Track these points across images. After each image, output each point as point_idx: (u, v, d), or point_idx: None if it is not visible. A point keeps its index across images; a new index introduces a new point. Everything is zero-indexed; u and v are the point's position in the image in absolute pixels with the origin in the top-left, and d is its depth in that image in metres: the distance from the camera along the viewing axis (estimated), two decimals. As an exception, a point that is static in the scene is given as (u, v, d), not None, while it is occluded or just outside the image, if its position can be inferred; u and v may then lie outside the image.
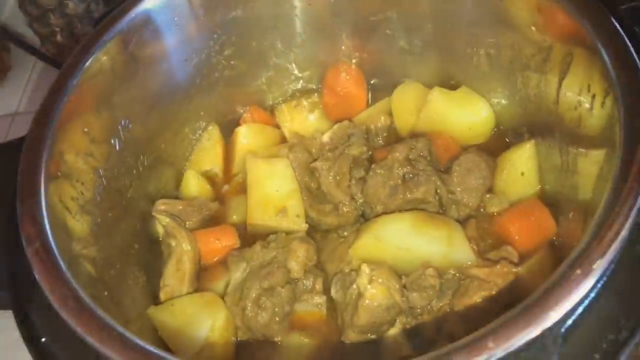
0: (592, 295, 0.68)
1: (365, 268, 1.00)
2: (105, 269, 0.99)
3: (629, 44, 0.83)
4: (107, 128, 1.09)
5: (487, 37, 1.16)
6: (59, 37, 1.92)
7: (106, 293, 0.93)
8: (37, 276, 0.77)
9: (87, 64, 1.02)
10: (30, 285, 0.83)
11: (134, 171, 1.18)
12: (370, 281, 0.98)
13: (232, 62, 1.31)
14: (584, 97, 0.94)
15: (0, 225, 0.95)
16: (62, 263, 0.78)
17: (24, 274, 0.84)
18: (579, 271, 0.66)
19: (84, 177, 1.01)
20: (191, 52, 1.24)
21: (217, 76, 1.31)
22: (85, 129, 1.02)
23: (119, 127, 1.12)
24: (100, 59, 1.05)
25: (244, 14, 1.24)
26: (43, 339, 0.81)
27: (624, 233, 0.67)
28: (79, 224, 0.95)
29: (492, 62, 1.20)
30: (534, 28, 1.04)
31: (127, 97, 1.14)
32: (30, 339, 0.81)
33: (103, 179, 1.07)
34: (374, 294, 0.98)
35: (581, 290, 0.66)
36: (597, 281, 0.66)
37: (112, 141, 1.11)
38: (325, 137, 1.24)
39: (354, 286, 1.02)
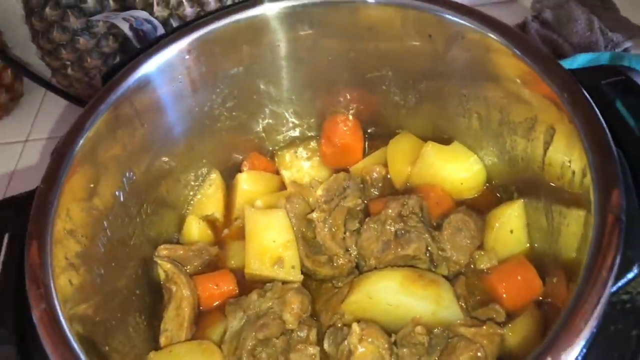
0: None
1: (355, 327, 1.04)
2: (107, 319, 1.04)
3: (605, 127, 0.87)
4: (112, 181, 1.14)
5: (477, 99, 1.21)
6: (69, 70, 1.97)
7: (107, 348, 0.97)
8: (42, 339, 0.81)
9: (93, 123, 1.07)
10: (36, 344, 0.87)
11: (137, 219, 1.23)
12: (360, 340, 1.03)
13: (233, 113, 1.36)
14: (565, 169, 0.98)
15: (8, 276, 1.00)
16: (65, 326, 0.83)
17: (31, 331, 0.89)
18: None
19: (89, 231, 1.05)
20: (194, 105, 1.29)
21: (219, 126, 1.36)
22: (91, 185, 1.07)
23: (124, 179, 1.17)
24: (107, 117, 1.10)
25: (244, 70, 1.29)
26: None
27: (592, 322, 0.71)
28: (82, 278, 1.00)
29: (482, 122, 1.25)
30: (519, 96, 1.09)
31: (132, 150, 1.19)
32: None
33: (107, 231, 1.12)
34: (364, 353, 1.02)
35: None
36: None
37: (117, 193, 1.15)
38: (320, 190, 1.28)
39: (346, 343, 1.06)
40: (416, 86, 1.30)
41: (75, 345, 0.82)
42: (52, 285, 0.88)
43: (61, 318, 0.84)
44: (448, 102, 1.28)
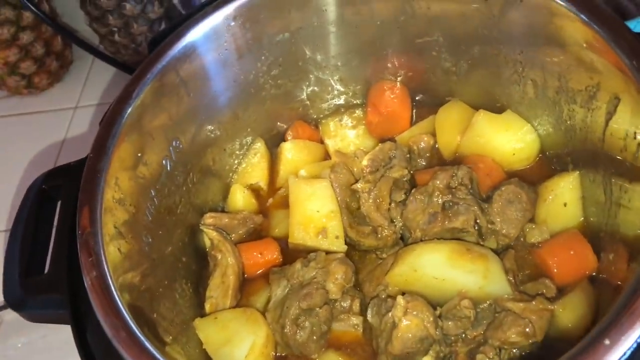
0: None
1: (400, 300, 1.03)
2: (155, 286, 1.06)
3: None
4: (160, 150, 1.15)
5: (534, 65, 1.15)
6: (116, 37, 1.99)
7: (155, 315, 0.99)
8: (93, 306, 0.84)
9: (140, 93, 1.07)
10: (89, 307, 0.90)
11: (184, 188, 1.24)
12: (405, 313, 1.01)
13: (278, 81, 1.34)
14: (629, 141, 0.93)
15: (61, 243, 1.03)
16: (115, 294, 0.85)
17: (84, 295, 0.92)
18: (607, 341, 0.67)
19: (136, 200, 1.07)
20: (239, 74, 1.27)
21: (264, 95, 1.35)
22: (139, 154, 1.08)
23: (170, 148, 1.18)
24: (153, 86, 1.10)
25: (290, 36, 1.26)
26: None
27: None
28: (131, 246, 1.02)
29: (538, 90, 1.19)
30: (580, 63, 1.02)
31: (178, 119, 1.19)
32: (86, 357, 0.88)
33: (155, 199, 1.13)
34: (408, 325, 1.01)
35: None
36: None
37: (164, 162, 1.16)
38: (365, 160, 1.25)
39: (390, 315, 1.05)
40: (468, 52, 1.25)
41: (125, 313, 0.84)
42: (102, 253, 0.90)
43: (111, 286, 0.86)
44: (502, 69, 1.22)
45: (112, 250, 0.93)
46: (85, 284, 0.86)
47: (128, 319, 0.83)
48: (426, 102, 1.42)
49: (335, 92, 1.43)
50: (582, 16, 0.97)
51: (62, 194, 1.06)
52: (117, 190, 1.00)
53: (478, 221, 1.14)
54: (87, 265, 0.86)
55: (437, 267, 1.07)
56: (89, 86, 2.26)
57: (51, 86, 2.21)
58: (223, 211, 1.38)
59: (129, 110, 1.05)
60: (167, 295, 1.10)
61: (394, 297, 1.11)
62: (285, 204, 1.36)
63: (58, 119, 2.16)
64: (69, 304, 0.93)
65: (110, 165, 0.99)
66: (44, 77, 2.17)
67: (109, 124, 1.02)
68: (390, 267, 1.14)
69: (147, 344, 0.79)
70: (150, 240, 1.09)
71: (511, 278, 1.10)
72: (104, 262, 0.88)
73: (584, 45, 0.99)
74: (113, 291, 0.85)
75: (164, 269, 1.12)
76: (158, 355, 0.78)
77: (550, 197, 1.17)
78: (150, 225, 1.10)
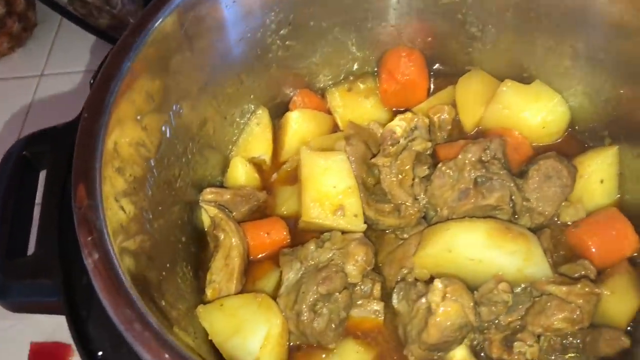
0: None
1: (438, 283, 0.92)
2: (159, 268, 0.93)
3: None
4: (159, 114, 1.01)
5: (578, 30, 1.06)
6: (88, -4, 1.80)
7: (163, 302, 0.85)
8: (99, 293, 0.70)
9: (140, 46, 0.93)
10: (86, 292, 0.76)
11: (183, 159, 1.10)
12: (444, 298, 0.91)
13: (287, 43, 1.21)
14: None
15: (49, 218, 0.88)
16: (124, 278, 0.71)
17: (79, 278, 0.78)
18: None
19: (136, 169, 0.93)
20: (246, 31, 1.14)
21: (271, 57, 1.22)
22: (138, 117, 0.94)
23: (171, 112, 1.04)
24: (155, 38, 0.96)
25: (304, -9, 1.13)
26: (100, 353, 0.74)
27: None
28: (134, 224, 0.88)
29: (577, 56, 1.10)
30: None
31: (180, 79, 1.05)
32: (86, 352, 0.74)
33: (154, 170, 0.99)
34: (448, 312, 0.91)
35: None
36: None
37: (163, 128, 1.02)
38: (389, 130, 1.14)
39: (423, 300, 0.95)
40: (500, 15, 1.14)
41: (137, 301, 0.71)
42: (105, 230, 0.75)
43: (119, 269, 0.72)
44: (537, 35, 1.13)
45: (115, 227, 0.79)
46: (88, 267, 0.72)
47: (141, 308, 0.69)
48: (444, 71, 1.32)
49: (349, 57, 1.31)
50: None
51: (47, 161, 0.90)
52: (116, 157, 0.86)
53: (513, 197, 1.05)
54: (88, 246, 0.72)
55: (475, 247, 0.97)
56: (55, 52, 2.06)
57: (12, 51, 2.00)
58: (222, 187, 1.25)
59: (128, 64, 0.91)
60: (171, 279, 0.97)
61: (423, 281, 1.01)
62: (291, 179, 1.24)
63: (20, 88, 1.95)
64: (62, 291, 0.79)
65: (108, 127, 0.84)
66: (4, 41, 1.96)
67: (105, 80, 0.87)
68: (418, 248, 1.03)
69: (168, 338, 0.66)
70: (150, 216, 0.95)
71: (549, 259, 1.01)
72: (108, 241, 0.74)
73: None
74: (121, 275, 0.71)
75: (166, 250, 0.99)
76: (182, 351, 0.64)
77: (587, 174, 1.09)
78: (150, 200, 0.96)
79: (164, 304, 0.85)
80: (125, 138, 0.90)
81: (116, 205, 0.83)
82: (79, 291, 0.78)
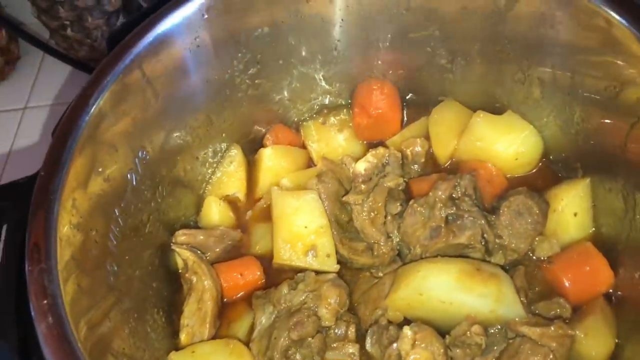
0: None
1: (407, 331, 0.91)
2: (122, 323, 0.91)
3: None
4: (124, 163, 1.00)
5: (543, 62, 1.05)
6: (69, 31, 1.80)
7: (124, 349, 0.84)
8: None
9: (100, 97, 0.92)
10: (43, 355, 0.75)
11: (152, 204, 1.09)
12: (414, 346, 0.90)
13: (256, 81, 1.20)
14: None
15: (7, 277, 0.87)
16: (77, 346, 0.70)
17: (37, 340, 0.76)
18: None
19: (98, 223, 0.91)
20: (213, 73, 1.13)
21: (240, 96, 1.21)
22: (100, 169, 0.93)
23: (136, 159, 1.03)
24: (115, 89, 0.95)
25: (270, 30, 1.12)
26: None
27: None
28: (93, 279, 0.86)
29: (545, 90, 1.09)
30: (601, 61, 0.92)
31: (144, 125, 1.04)
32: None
33: (119, 220, 0.98)
34: (417, 359, 0.89)
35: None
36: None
37: (129, 176, 1.01)
38: (360, 168, 1.13)
39: (394, 347, 0.93)
40: (468, 48, 1.14)
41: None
42: (59, 294, 0.74)
43: (71, 335, 0.71)
44: (505, 66, 1.12)
45: (71, 289, 0.78)
46: (39, 333, 0.70)
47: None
48: (417, 102, 1.31)
49: (319, 91, 1.30)
50: (603, 6, 0.87)
51: (7, 217, 0.89)
52: (74, 213, 0.85)
53: (485, 235, 1.03)
54: (40, 311, 0.71)
55: (445, 290, 0.95)
56: (39, 85, 2.05)
57: (-5, 84, 2.00)
58: (196, 227, 1.24)
59: (87, 118, 0.90)
60: (137, 330, 0.95)
61: (395, 324, 1.00)
62: (266, 217, 1.23)
63: (3, 122, 1.95)
64: (17, 353, 0.77)
65: (65, 184, 0.83)
66: (-14, 74, 1.96)
67: (63, 135, 0.86)
68: (391, 290, 1.02)
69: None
70: (115, 268, 0.94)
71: (523, 299, 1.00)
72: (62, 306, 0.73)
73: (607, 37, 0.89)
74: (74, 343, 0.70)
75: (132, 300, 0.97)
76: None
77: (560, 207, 1.07)
78: (114, 251, 0.95)
79: (125, 349, 0.83)
80: (85, 193, 0.89)
81: (73, 263, 0.82)
82: (37, 354, 0.76)
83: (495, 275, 0.96)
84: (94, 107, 0.91)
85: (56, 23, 1.79)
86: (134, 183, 1.03)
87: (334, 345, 1.05)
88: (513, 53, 1.08)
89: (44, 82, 2.04)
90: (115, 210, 0.97)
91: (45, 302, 0.73)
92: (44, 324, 0.70)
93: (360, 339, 1.05)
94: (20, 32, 1.84)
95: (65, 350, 0.69)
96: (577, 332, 0.94)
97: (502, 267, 1.04)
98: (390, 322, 1.01)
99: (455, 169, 1.20)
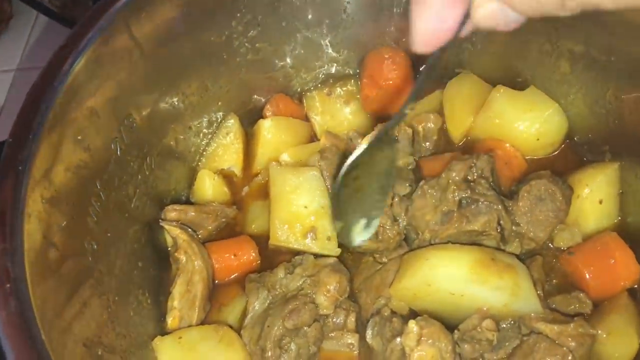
0: None
1: (413, 326, 0.83)
2: (100, 309, 0.83)
3: None
4: (107, 131, 0.91)
5: (576, 34, 0.94)
6: (62, -12, 1.70)
7: (99, 351, 0.76)
8: (6, 354, 0.61)
9: (80, 56, 0.82)
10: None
11: (139, 176, 1.01)
12: (419, 342, 0.82)
13: (257, 45, 1.11)
14: None
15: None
16: (42, 338, 0.62)
17: None
18: None
19: (76, 197, 0.83)
20: (208, 35, 1.03)
21: (239, 61, 1.11)
22: (79, 137, 0.84)
23: (121, 127, 0.94)
24: (97, 48, 0.85)
25: (273, -13, 1.02)
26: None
27: None
28: (69, 261, 0.78)
29: (575, 61, 0.98)
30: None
31: (131, 89, 0.95)
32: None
33: (101, 194, 0.89)
34: (422, 356, 0.81)
35: None
36: None
37: (112, 146, 0.92)
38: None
39: (398, 340, 0.85)
40: (490, 14, 1.02)
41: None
42: (24, 278, 0.66)
43: (34, 324, 0.63)
44: (531, 37, 1.01)
45: (40, 271, 0.70)
46: (-1, 322, 0.62)
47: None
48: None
49: (325, 59, 1.20)
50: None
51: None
52: (47, 187, 0.76)
53: (501, 222, 0.94)
54: (1, 296, 0.63)
55: (457, 281, 0.87)
56: (32, 45, 1.96)
57: (-14, 44, 1.91)
58: (188, 202, 1.15)
59: (64, 79, 0.80)
60: (118, 314, 0.88)
61: (399, 316, 0.92)
62: (263, 193, 1.15)
63: (-5, 81, 1.86)
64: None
65: (36, 154, 0.75)
66: (-23, 34, 1.86)
67: (35, 99, 0.77)
68: (395, 278, 0.93)
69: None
70: (95, 247, 0.86)
71: (540, 292, 0.91)
72: (25, 291, 0.64)
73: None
74: (36, 334, 0.62)
75: (114, 282, 0.89)
76: None
77: (584, 193, 0.98)
78: (94, 228, 0.87)
79: (99, 352, 0.76)
80: (61, 163, 0.80)
81: (44, 242, 0.73)
82: None
83: (512, 266, 0.88)
84: (73, 67, 0.81)
85: (49, -21, 1.68)
86: (119, 153, 0.94)
87: (332, 334, 0.98)
88: (542, 21, 0.96)
89: (37, 43, 1.94)
90: (97, 183, 0.88)
91: (8, 286, 0.64)
92: (4, 311, 0.62)
93: (360, 328, 0.97)
94: (12, -12, 1.73)
95: (27, 343, 0.61)
96: (599, 330, 0.85)
97: (518, 257, 0.95)
98: (394, 313, 0.93)
99: (470, 148, 1.11)
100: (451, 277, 0.87)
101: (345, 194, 0.80)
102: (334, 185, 0.82)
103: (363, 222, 0.85)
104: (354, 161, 0.77)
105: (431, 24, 0.51)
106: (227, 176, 1.18)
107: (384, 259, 1.02)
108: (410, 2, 0.50)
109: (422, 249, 0.95)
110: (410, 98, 0.68)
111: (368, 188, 0.82)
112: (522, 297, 0.87)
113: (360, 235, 0.86)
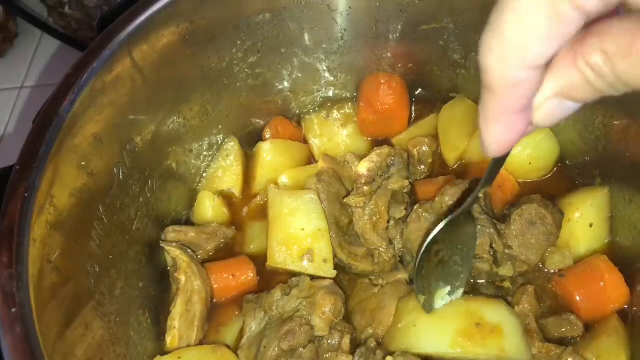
0: None
1: (391, 360, 0.84)
2: (103, 331, 0.85)
3: None
4: (110, 156, 0.93)
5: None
6: (67, 9, 1.74)
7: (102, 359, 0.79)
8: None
9: (85, 84, 0.85)
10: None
11: (141, 199, 1.03)
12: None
13: (256, 71, 1.13)
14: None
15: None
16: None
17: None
18: None
19: (80, 221, 0.85)
20: (209, 61, 1.06)
21: (239, 86, 1.14)
22: (83, 163, 0.86)
23: (124, 152, 0.96)
24: (101, 76, 0.88)
25: (272, 17, 1.05)
26: None
27: None
28: (71, 284, 0.80)
29: (565, 90, 1.00)
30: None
31: (133, 115, 0.97)
32: None
33: (104, 217, 0.92)
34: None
35: None
36: None
37: (115, 170, 0.95)
38: (362, 168, 1.06)
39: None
40: (483, 42, 1.05)
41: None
42: (29, 302, 0.68)
43: (37, 348, 0.65)
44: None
45: (44, 295, 0.72)
46: (3, 345, 0.65)
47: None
48: (427, 97, 1.24)
49: (323, 82, 1.23)
50: None
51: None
52: (52, 212, 0.79)
53: (494, 245, 0.97)
54: (6, 322, 0.65)
55: (442, 349, 0.87)
56: (36, 63, 1.99)
57: (-9, 62, 1.94)
58: (188, 223, 1.17)
59: (69, 108, 0.83)
60: (118, 335, 0.90)
61: (383, 349, 0.93)
62: (262, 214, 1.17)
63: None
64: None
65: (42, 180, 0.77)
66: (-17, 52, 1.90)
67: (42, 126, 0.80)
68: (387, 332, 0.95)
69: None
70: (97, 269, 0.88)
71: (534, 324, 0.93)
72: (30, 316, 0.67)
73: None
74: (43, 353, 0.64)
75: (115, 304, 0.92)
76: None
77: (575, 217, 1.00)
78: (97, 251, 0.89)
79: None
80: (66, 189, 0.82)
81: (49, 267, 0.76)
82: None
83: (497, 329, 0.86)
84: (79, 95, 0.84)
85: (54, 0, 1.72)
86: (121, 177, 0.96)
87: (327, 356, 0.99)
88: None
89: (42, 61, 1.98)
90: (100, 207, 0.91)
91: (14, 310, 0.66)
92: (10, 336, 0.64)
93: (355, 349, 0.99)
94: (18, 9, 1.77)
95: (32, 364, 0.63)
96: (589, 354, 0.87)
97: (511, 279, 0.97)
98: (379, 345, 0.94)
99: (463, 171, 1.14)
100: (436, 345, 0.87)
101: (427, 268, 0.87)
102: (417, 260, 0.87)
103: (447, 289, 0.90)
104: (435, 236, 0.83)
105: (502, 137, 0.51)
106: (226, 197, 1.20)
107: (380, 281, 1.04)
108: (479, 119, 0.50)
109: (410, 318, 0.93)
110: (483, 183, 0.75)
111: (449, 260, 0.89)
112: (509, 356, 0.87)
113: (444, 300, 0.91)
